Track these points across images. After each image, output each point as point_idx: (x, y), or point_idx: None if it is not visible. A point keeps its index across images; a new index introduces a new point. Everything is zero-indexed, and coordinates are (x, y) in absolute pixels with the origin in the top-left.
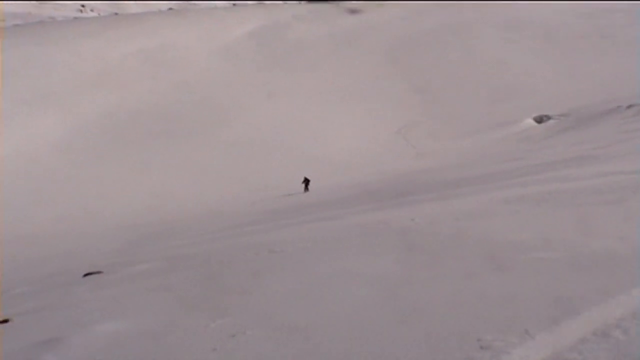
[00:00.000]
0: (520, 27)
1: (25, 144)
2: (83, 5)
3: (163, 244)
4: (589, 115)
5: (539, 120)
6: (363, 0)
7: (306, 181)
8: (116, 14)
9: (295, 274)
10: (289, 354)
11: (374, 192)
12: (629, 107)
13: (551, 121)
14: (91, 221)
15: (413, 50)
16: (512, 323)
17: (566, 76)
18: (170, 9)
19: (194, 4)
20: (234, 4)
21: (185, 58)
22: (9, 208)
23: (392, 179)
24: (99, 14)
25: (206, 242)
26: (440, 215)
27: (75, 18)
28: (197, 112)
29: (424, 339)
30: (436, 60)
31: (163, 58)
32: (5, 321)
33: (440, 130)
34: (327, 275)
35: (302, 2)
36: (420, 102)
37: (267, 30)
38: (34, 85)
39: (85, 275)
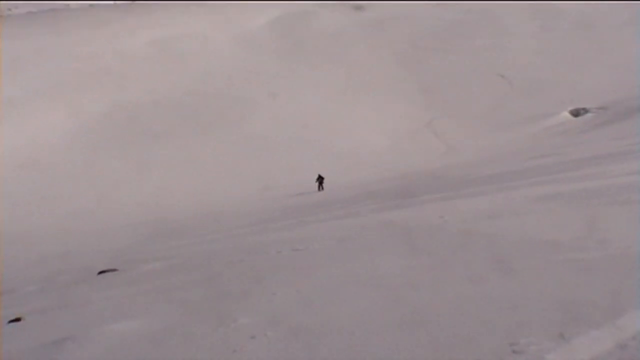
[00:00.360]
0: (555, 15)
1: (26, 142)
2: None
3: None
4: (629, 109)
5: (576, 113)
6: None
7: (320, 179)
8: (133, 0)
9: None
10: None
11: (400, 188)
12: None
13: (588, 114)
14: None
15: (441, 40)
16: (548, 327)
17: (605, 67)
18: None
19: None
20: None
21: (196, 49)
22: (11, 207)
23: (421, 175)
24: (114, 1)
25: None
26: (470, 214)
27: (91, 5)
28: (202, 109)
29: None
30: (466, 51)
31: (174, 50)
32: (17, 320)
33: (470, 125)
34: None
35: None
36: (449, 95)
37: (275, 25)
38: (41, 76)
39: (100, 272)
